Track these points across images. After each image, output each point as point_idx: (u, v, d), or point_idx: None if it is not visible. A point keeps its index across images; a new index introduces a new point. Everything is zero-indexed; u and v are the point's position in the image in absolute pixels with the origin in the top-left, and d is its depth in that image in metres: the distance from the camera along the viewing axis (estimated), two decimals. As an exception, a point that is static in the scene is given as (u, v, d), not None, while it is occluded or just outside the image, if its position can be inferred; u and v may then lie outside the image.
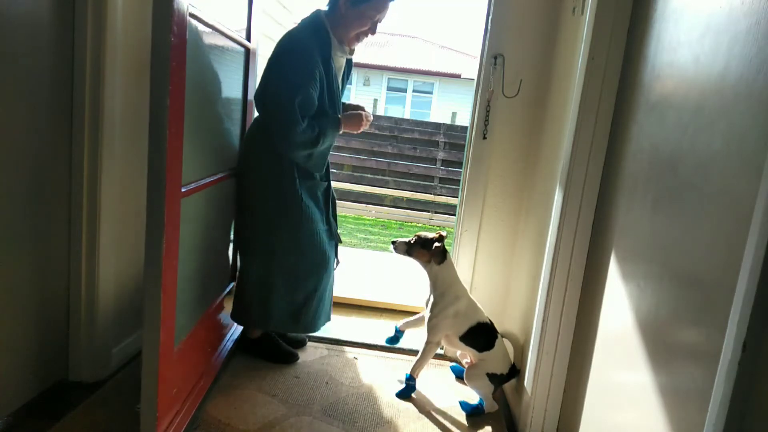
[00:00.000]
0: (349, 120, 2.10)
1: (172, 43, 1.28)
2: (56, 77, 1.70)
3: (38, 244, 1.71)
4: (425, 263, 2.06)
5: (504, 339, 2.07)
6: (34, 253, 1.70)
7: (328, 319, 2.27)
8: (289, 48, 1.95)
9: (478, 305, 2.09)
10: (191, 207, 1.62)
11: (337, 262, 2.27)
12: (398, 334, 2.29)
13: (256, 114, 2.23)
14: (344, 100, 2.22)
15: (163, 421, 1.50)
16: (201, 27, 1.56)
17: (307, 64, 1.90)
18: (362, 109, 2.28)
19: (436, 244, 2.02)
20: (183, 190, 1.49)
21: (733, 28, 1.00)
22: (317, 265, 2.09)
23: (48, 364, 1.83)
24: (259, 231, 2.03)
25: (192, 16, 1.42)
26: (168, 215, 1.38)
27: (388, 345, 2.33)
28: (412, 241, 2.07)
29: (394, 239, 2.11)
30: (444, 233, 2.07)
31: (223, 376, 2.04)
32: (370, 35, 2.08)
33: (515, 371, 2.03)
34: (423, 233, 2.08)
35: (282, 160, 1.97)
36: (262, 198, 2.00)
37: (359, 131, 2.17)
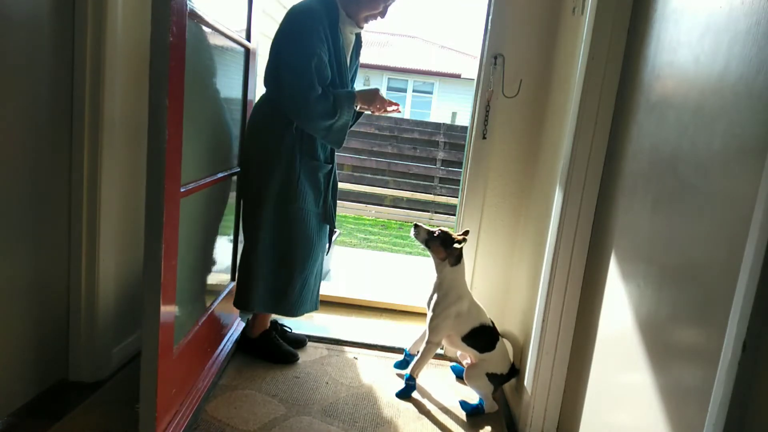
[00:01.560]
0: (364, 95, 2.04)
1: (171, 42, 1.28)
2: (56, 77, 1.70)
3: (38, 244, 1.71)
4: (439, 260, 2.04)
5: (504, 339, 2.07)
6: (35, 253, 1.70)
7: (315, 308, 2.23)
8: (295, 16, 1.93)
9: (481, 307, 2.09)
10: (191, 207, 1.62)
11: (329, 248, 2.25)
12: (408, 358, 2.24)
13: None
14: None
15: (162, 421, 1.50)
16: (200, 26, 1.56)
17: (315, 25, 1.88)
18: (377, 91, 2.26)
19: (455, 245, 2.00)
20: (182, 190, 1.49)
21: (733, 28, 1.00)
22: (302, 246, 2.07)
23: (48, 364, 1.83)
24: (251, 205, 2.03)
25: (191, 15, 1.42)
26: (167, 215, 1.38)
27: (396, 369, 2.26)
28: (435, 234, 2.03)
29: (418, 223, 2.09)
30: (465, 235, 2.04)
31: (224, 376, 2.04)
32: (380, 18, 2.06)
33: (515, 371, 2.03)
34: (447, 230, 2.06)
35: (284, 137, 1.97)
36: (260, 175, 2.00)
37: (375, 111, 2.08)
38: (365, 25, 2.09)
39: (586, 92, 1.61)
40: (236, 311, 2.37)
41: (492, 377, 1.98)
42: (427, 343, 2.04)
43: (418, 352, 2.12)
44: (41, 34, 1.62)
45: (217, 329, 2.08)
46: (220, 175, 1.88)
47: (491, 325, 2.06)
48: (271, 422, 1.78)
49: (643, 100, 1.41)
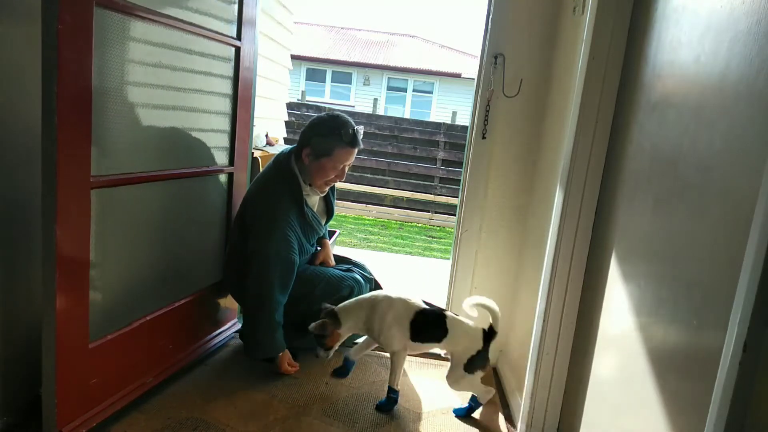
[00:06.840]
0: (282, 359, 2.07)
1: (59, 30, 1.29)
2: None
3: (38, 243, 1.70)
4: (340, 336, 1.95)
5: (459, 317, 1.94)
6: (34, 251, 1.69)
7: None
8: (263, 203, 2.04)
9: (406, 297, 1.96)
10: (124, 199, 1.63)
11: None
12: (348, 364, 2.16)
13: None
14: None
15: (75, 408, 1.53)
16: (138, 21, 1.57)
17: (283, 220, 2.01)
18: (327, 256, 2.34)
19: (319, 334, 1.92)
20: (95, 180, 1.48)
21: (734, 27, 1.00)
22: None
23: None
24: None
25: (99, 5, 1.40)
26: (72, 203, 1.39)
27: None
28: (325, 342, 1.94)
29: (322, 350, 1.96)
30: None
31: (223, 377, 2.04)
32: (339, 180, 2.16)
33: (492, 333, 1.89)
34: (317, 332, 1.92)
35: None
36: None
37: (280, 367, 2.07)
38: (327, 189, 2.20)
39: (587, 92, 1.60)
40: (234, 308, 2.37)
41: (470, 364, 1.87)
42: (391, 354, 1.95)
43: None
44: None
45: (187, 325, 2.07)
46: (177, 171, 1.87)
47: (427, 308, 1.93)
48: (270, 422, 1.78)
49: (643, 100, 1.41)
